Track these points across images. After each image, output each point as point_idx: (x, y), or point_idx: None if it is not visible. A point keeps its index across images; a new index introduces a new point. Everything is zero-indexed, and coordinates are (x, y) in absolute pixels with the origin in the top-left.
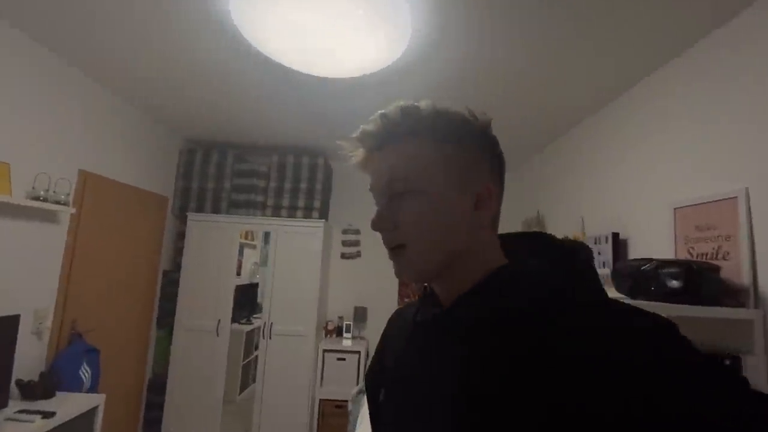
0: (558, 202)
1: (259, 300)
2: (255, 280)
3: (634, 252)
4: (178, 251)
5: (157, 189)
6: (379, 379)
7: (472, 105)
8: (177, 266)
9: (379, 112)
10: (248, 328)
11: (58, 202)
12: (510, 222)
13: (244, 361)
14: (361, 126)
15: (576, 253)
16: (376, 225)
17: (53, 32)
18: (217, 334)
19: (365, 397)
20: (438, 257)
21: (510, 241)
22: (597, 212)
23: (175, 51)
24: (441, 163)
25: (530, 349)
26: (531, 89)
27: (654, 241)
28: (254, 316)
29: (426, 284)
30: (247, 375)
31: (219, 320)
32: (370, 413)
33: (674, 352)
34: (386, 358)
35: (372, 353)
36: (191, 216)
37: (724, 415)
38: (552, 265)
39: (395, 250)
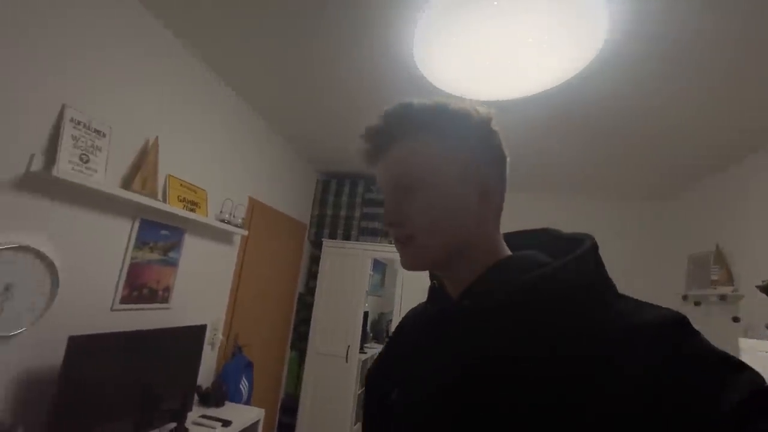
0: (750, 235)
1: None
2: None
3: None
4: (312, 275)
5: (298, 216)
6: (390, 379)
7: (663, 108)
8: (309, 290)
9: (384, 110)
10: (363, 357)
11: (236, 225)
12: (676, 258)
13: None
14: (366, 125)
15: (580, 243)
16: (387, 218)
17: (243, 78)
18: (346, 360)
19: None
20: (445, 248)
21: (514, 237)
22: None
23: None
24: (444, 157)
25: (530, 343)
26: (743, 84)
27: None
28: (365, 345)
29: (434, 281)
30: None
31: (348, 346)
32: (370, 415)
33: (691, 347)
34: (398, 357)
35: None
36: (326, 242)
37: (744, 410)
38: (555, 255)
39: (404, 242)
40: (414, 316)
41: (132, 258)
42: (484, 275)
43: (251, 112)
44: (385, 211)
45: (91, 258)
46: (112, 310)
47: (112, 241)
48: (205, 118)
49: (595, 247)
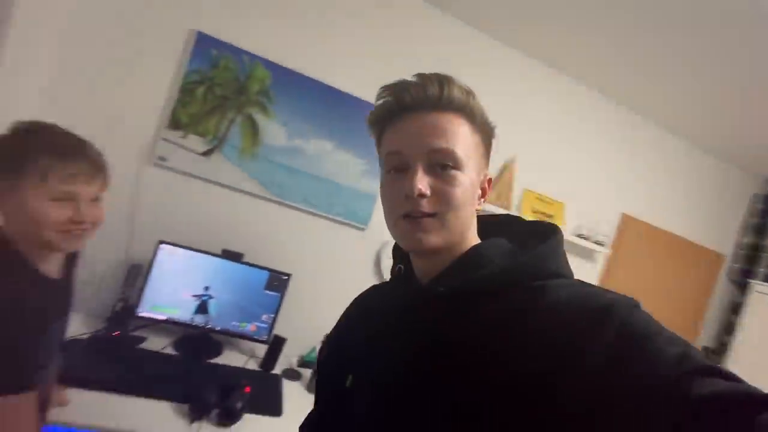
0: None
1: None
2: None
3: None
4: (727, 328)
5: (710, 244)
6: (344, 364)
7: None
8: (720, 346)
9: (435, 73)
10: None
11: (597, 242)
12: None
13: None
14: (413, 78)
15: (544, 234)
16: (418, 192)
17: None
18: None
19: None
20: (458, 231)
21: (485, 223)
22: None
23: None
24: (476, 146)
25: (496, 320)
26: None
27: None
28: None
29: (400, 265)
30: None
31: None
32: (321, 401)
33: (642, 323)
34: (351, 342)
35: None
36: (757, 286)
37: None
38: (521, 245)
39: (424, 218)
40: (371, 299)
41: None
42: (458, 260)
43: (637, 119)
44: (420, 185)
45: None
46: None
47: None
48: (573, 131)
49: (561, 237)
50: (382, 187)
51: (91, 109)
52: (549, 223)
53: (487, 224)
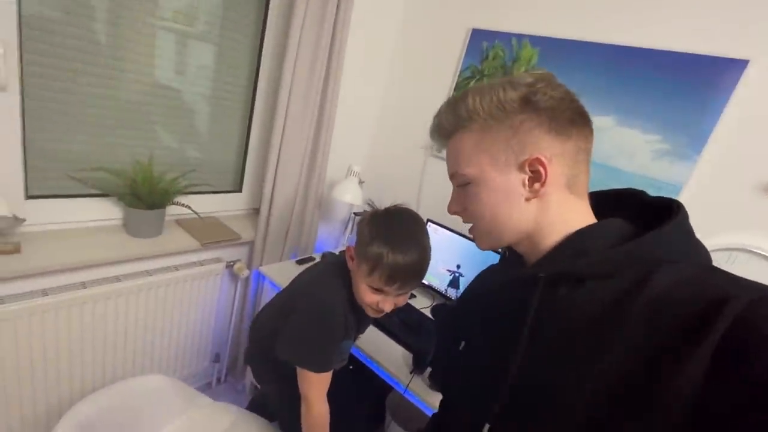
0: None
1: None
2: None
3: None
4: None
5: None
6: (460, 329)
7: None
8: None
9: (443, 104)
10: None
11: None
12: None
13: None
14: (434, 119)
15: (668, 211)
16: (450, 210)
17: None
18: None
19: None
20: (499, 234)
21: (600, 200)
22: None
23: None
24: (480, 149)
25: (591, 311)
26: None
27: None
28: None
29: (506, 250)
30: None
31: None
32: (439, 358)
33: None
34: (467, 313)
35: None
36: None
37: None
38: (638, 226)
39: (471, 229)
40: (491, 277)
41: None
42: (561, 245)
43: None
44: (449, 204)
45: None
46: None
47: None
48: None
49: (685, 217)
50: None
51: (405, 110)
52: (673, 200)
53: (607, 200)
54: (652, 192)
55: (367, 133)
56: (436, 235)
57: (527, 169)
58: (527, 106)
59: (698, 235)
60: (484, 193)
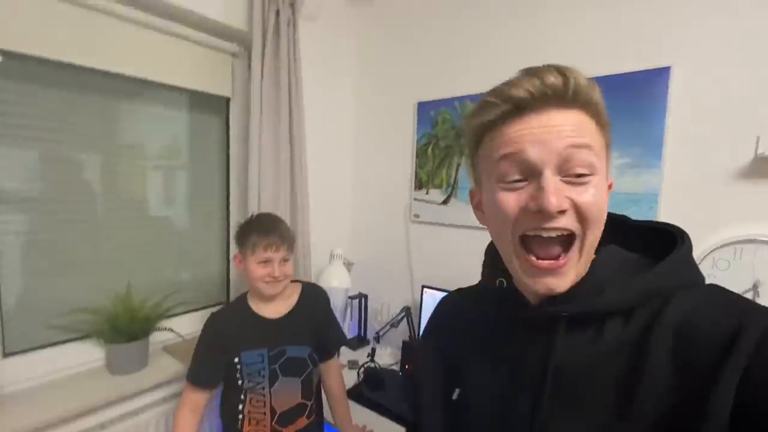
0: None
1: None
2: None
3: None
4: None
5: None
6: (450, 377)
7: None
8: None
9: (552, 65)
10: None
11: None
12: None
13: None
14: (523, 73)
15: (671, 240)
16: (556, 207)
17: None
18: None
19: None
20: (588, 258)
21: None
22: None
23: None
24: (603, 149)
25: (620, 345)
26: None
27: None
28: None
29: (502, 279)
30: None
31: None
32: (424, 412)
33: None
34: (455, 353)
35: None
36: None
37: None
38: (643, 253)
39: (555, 259)
40: (462, 311)
41: None
42: (582, 280)
43: None
44: (553, 189)
45: None
46: None
47: None
48: None
49: (690, 245)
50: (486, 201)
51: (376, 187)
52: (671, 224)
53: None
54: (632, 205)
55: (345, 215)
56: (434, 300)
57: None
58: (608, 132)
59: (700, 233)
60: (603, 192)
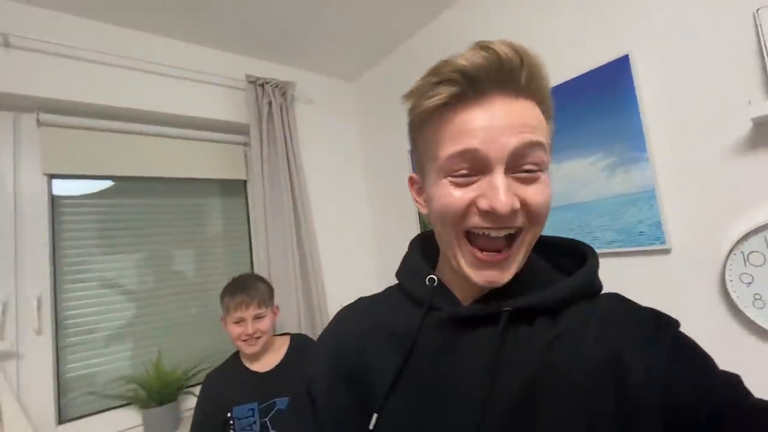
0: None
1: None
2: None
3: None
4: None
5: None
6: (363, 400)
7: None
8: None
9: (508, 42)
10: None
11: None
12: None
13: None
14: (477, 48)
15: (580, 254)
16: (508, 208)
17: None
18: None
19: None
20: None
21: None
22: None
23: None
24: (548, 138)
25: (555, 338)
26: None
27: None
28: None
29: (432, 277)
30: None
31: None
32: None
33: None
34: (368, 371)
35: None
36: None
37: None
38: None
39: (501, 251)
40: (370, 319)
41: None
42: (521, 279)
43: None
44: (507, 197)
45: None
46: None
47: None
48: None
49: (598, 260)
50: (430, 192)
51: (398, 251)
52: (579, 242)
53: None
54: (631, 207)
55: (370, 275)
56: None
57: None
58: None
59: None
60: (549, 190)
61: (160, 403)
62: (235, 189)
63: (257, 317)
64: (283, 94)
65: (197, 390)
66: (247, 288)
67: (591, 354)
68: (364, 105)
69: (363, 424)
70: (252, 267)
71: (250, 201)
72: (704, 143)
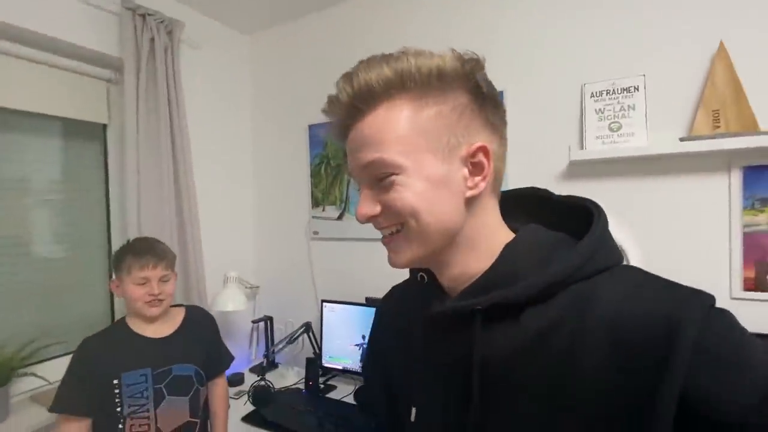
0: None
1: None
2: None
3: None
4: None
5: None
6: (404, 394)
7: None
8: None
9: (350, 70)
10: None
11: None
12: None
13: None
14: (330, 92)
15: (585, 214)
16: (362, 217)
17: None
18: None
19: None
20: (428, 242)
21: (507, 203)
22: None
23: None
24: (416, 127)
25: (541, 334)
26: None
27: None
28: None
29: (421, 273)
30: None
31: None
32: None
33: (718, 339)
34: (394, 366)
35: None
36: None
37: None
38: (569, 235)
39: (387, 236)
40: (395, 317)
41: (745, 226)
42: (494, 269)
43: None
44: (360, 206)
45: (685, 236)
46: (732, 298)
47: (703, 210)
48: None
49: (606, 220)
50: None
51: (277, 208)
52: (587, 200)
53: (512, 202)
54: None
55: (247, 240)
56: (333, 313)
57: (469, 160)
58: (473, 86)
59: None
60: (419, 185)
61: None
62: (85, 133)
63: (163, 279)
64: (169, 33)
65: (37, 369)
66: (154, 249)
67: (591, 366)
68: (258, 63)
69: (408, 417)
70: (108, 226)
71: (110, 149)
72: (536, 170)
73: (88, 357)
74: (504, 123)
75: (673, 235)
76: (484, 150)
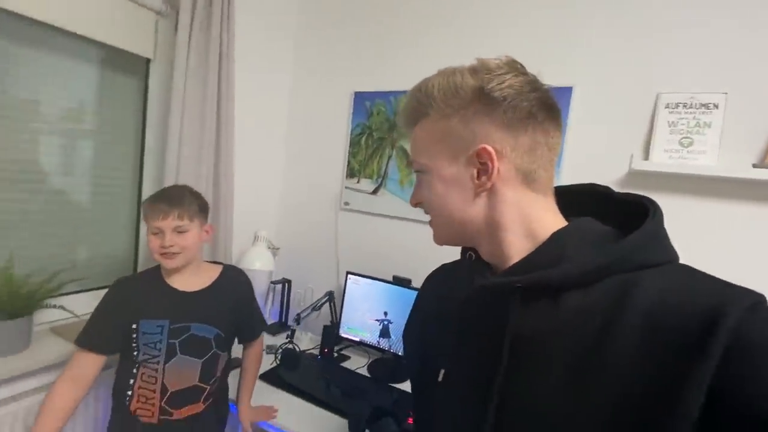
0: None
1: None
2: None
3: None
4: None
5: None
6: (433, 358)
7: None
8: None
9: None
10: None
11: None
12: None
13: None
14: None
15: (641, 209)
16: (411, 201)
17: None
18: None
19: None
20: (454, 229)
21: (565, 197)
22: None
23: None
24: (434, 138)
25: (576, 321)
26: None
27: None
28: None
29: (470, 252)
30: None
31: None
32: (417, 388)
33: (761, 333)
34: (432, 333)
35: None
36: None
37: None
38: (618, 226)
39: (430, 222)
40: (439, 287)
41: None
42: (539, 252)
43: None
44: (412, 195)
45: (743, 266)
46: None
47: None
48: None
49: (661, 217)
50: None
51: (308, 172)
52: (645, 197)
53: (575, 197)
54: None
55: (274, 199)
56: (357, 286)
57: (476, 160)
58: (481, 95)
59: None
60: (437, 183)
61: (10, 317)
62: (126, 66)
63: (178, 230)
64: None
65: (61, 301)
66: (171, 197)
67: (623, 346)
68: (307, 15)
69: (436, 377)
70: (141, 167)
71: (151, 86)
72: (598, 177)
73: (117, 297)
74: (535, 119)
75: (730, 264)
76: (486, 151)
